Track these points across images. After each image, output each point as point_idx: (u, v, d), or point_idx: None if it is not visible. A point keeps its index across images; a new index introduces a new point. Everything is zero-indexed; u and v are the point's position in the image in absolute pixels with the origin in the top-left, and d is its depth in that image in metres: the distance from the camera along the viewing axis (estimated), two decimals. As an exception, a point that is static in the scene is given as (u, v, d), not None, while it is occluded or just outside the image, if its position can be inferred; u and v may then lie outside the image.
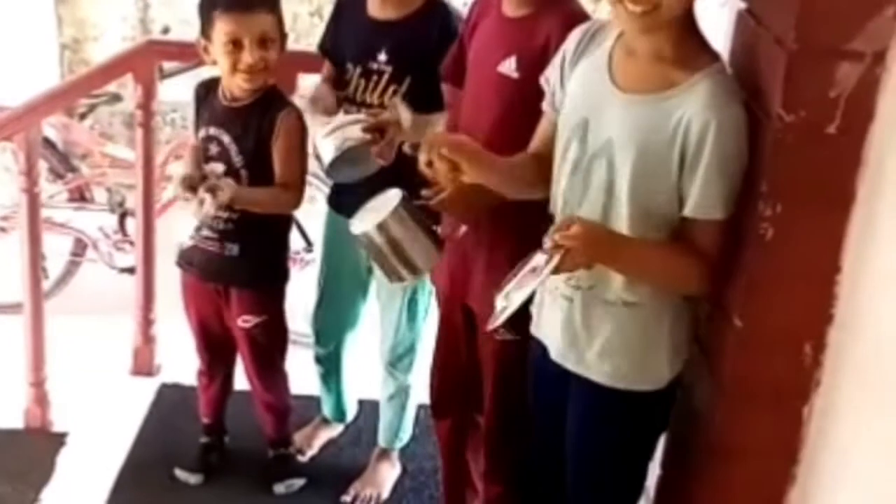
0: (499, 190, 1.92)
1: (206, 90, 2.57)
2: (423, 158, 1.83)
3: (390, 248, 2.02)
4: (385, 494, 2.88)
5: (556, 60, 1.91)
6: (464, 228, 2.19)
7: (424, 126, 2.35)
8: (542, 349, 1.95)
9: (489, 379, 2.29)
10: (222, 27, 2.40)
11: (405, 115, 2.31)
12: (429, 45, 2.45)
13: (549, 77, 1.92)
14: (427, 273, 2.06)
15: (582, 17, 2.04)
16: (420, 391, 2.78)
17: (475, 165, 1.81)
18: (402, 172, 2.25)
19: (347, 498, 2.84)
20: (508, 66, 2.07)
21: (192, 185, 2.42)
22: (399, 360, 2.77)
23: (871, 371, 1.53)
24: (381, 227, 2.01)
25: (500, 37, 2.12)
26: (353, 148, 2.28)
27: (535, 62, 2.00)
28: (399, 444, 2.92)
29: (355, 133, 2.28)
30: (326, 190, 3.13)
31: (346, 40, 2.58)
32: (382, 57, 2.48)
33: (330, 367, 2.95)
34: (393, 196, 2.07)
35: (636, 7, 1.64)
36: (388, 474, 2.92)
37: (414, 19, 2.49)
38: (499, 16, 2.13)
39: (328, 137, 2.29)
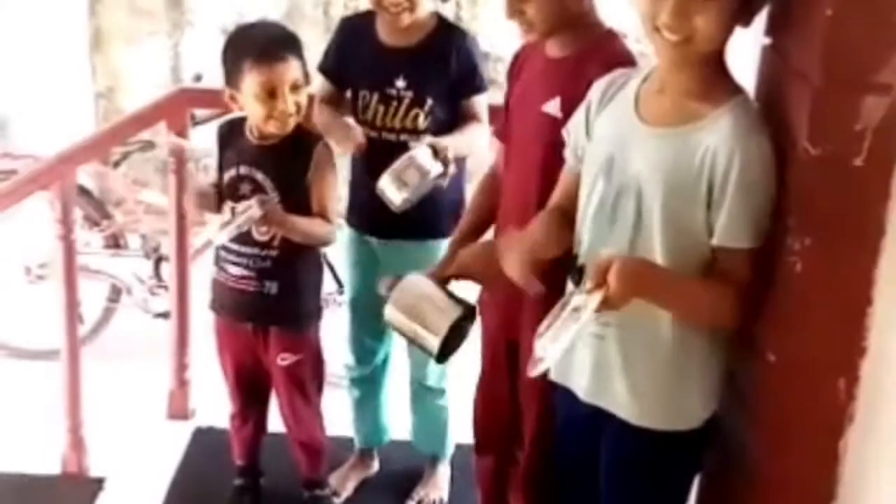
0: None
1: (231, 130, 2.61)
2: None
3: (406, 314, 2.03)
4: (446, 497, 3.00)
5: (580, 111, 1.92)
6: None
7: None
8: (570, 394, 1.94)
9: (531, 415, 2.26)
10: (255, 78, 2.43)
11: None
12: (447, 69, 2.56)
13: (572, 128, 1.94)
14: (445, 330, 2.05)
15: (625, 56, 2.05)
16: (456, 397, 2.84)
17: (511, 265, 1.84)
18: None
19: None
20: (553, 107, 2.07)
21: (205, 195, 2.56)
22: (432, 374, 2.84)
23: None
24: (393, 297, 2.04)
25: (544, 77, 2.13)
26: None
27: (579, 103, 1.98)
28: (450, 452, 3.02)
29: (419, 169, 2.32)
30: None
31: (357, 67, 2.65)
32: (401, 83, 2.55)
33: (367, 388, 2.97)
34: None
35: (672, 36, 1.65)
36: (446, 478, 3.03)
37: (428, 44, 2.58)
38: (542, 57, 2.14)
39: (394, 181, 2.32)
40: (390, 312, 2.04)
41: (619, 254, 1.73)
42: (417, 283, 2.06)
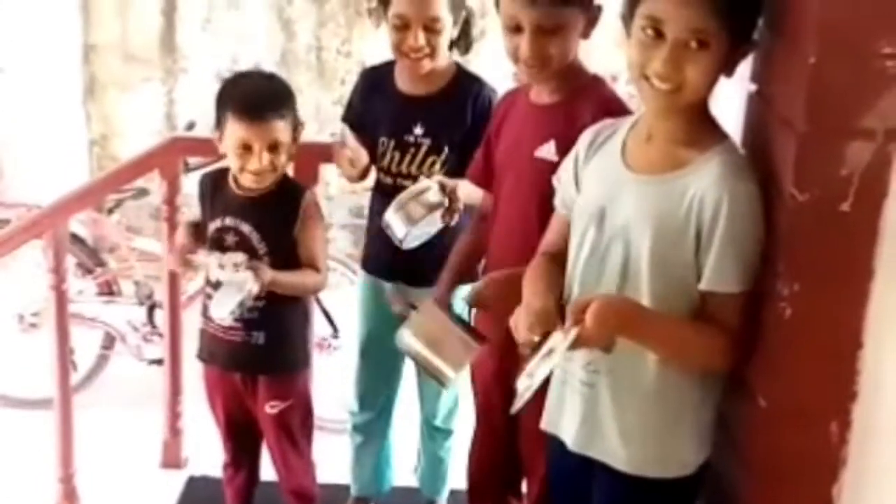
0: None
1: (214, 182, 2.61)
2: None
3: (425, 343, 2.01)
4: None
5: (568, 161, 1.93)
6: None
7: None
8: (560, 443, 1.93)
9: (538, 463, 2.21)
10: (234, 131, 2.45)
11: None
12: (464, 117, 2.58)
13: (561, 177, 1.95)
14: (466, 364, 2.04)
15: (616, 100, 2.09)
16: (460, 437, 2.81)
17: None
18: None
19: None
20: (547, 151, 2.08)
21: (189, 252, 2.53)
22: (441, 413, 2.84)
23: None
24: (413, 323, 2.02)
25: (535, 123, 2.14)
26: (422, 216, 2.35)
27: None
28: (446, 494, 2.99)
29: (424, 204, 2.34)
30: (351, 276, 3.17)
31: (377, 114, 2.68)
32: (418, 130, 2.59)
33: (370, 433, 2.94)
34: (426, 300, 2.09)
35: (662, 84, 1.66)
36: None
37: (447, 93, 2.61)
38: (528, 104, 2.17)
39: (398, 213, 2.34)
40: (408, 339, 2.02)
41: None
42: (435, 311, 2.04)
